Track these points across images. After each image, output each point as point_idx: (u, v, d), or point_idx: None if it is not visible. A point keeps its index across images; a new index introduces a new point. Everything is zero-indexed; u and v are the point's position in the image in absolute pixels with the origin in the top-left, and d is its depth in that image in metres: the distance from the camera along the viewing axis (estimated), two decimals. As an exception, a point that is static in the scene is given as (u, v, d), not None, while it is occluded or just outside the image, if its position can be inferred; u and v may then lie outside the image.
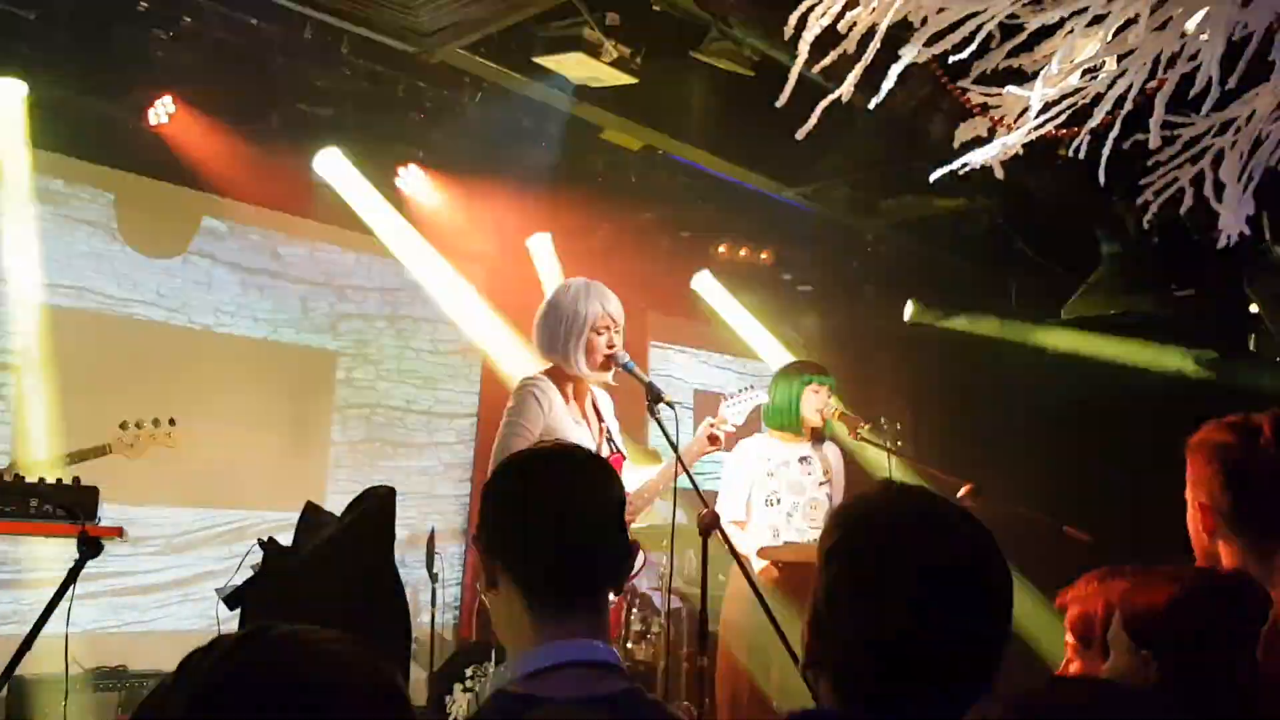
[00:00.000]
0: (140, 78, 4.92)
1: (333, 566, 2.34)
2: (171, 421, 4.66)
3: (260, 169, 5.57)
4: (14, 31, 4.47)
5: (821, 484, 4.72)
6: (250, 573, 2.46)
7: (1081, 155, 3.37)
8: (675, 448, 3.34)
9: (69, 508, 3.15)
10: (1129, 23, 2.80)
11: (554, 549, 1.61)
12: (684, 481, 3.50)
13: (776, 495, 4.64)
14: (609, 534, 1.67)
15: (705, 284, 7.47)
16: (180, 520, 5.76)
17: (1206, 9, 2.57)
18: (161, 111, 5.08)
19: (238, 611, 2.48)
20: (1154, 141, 3.16)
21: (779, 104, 3.11)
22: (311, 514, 2.58)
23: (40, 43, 4.59)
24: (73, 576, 2.40)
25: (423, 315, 6.91)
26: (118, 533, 3.54)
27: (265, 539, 2.45)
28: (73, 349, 5.25)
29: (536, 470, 1.72)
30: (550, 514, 1.63)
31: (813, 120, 3.17)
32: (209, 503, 5.83)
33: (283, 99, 5.23)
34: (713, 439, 3.80)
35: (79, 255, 5.51)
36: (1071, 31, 2.94)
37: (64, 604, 2.58)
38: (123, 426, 4.53)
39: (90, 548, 2.49)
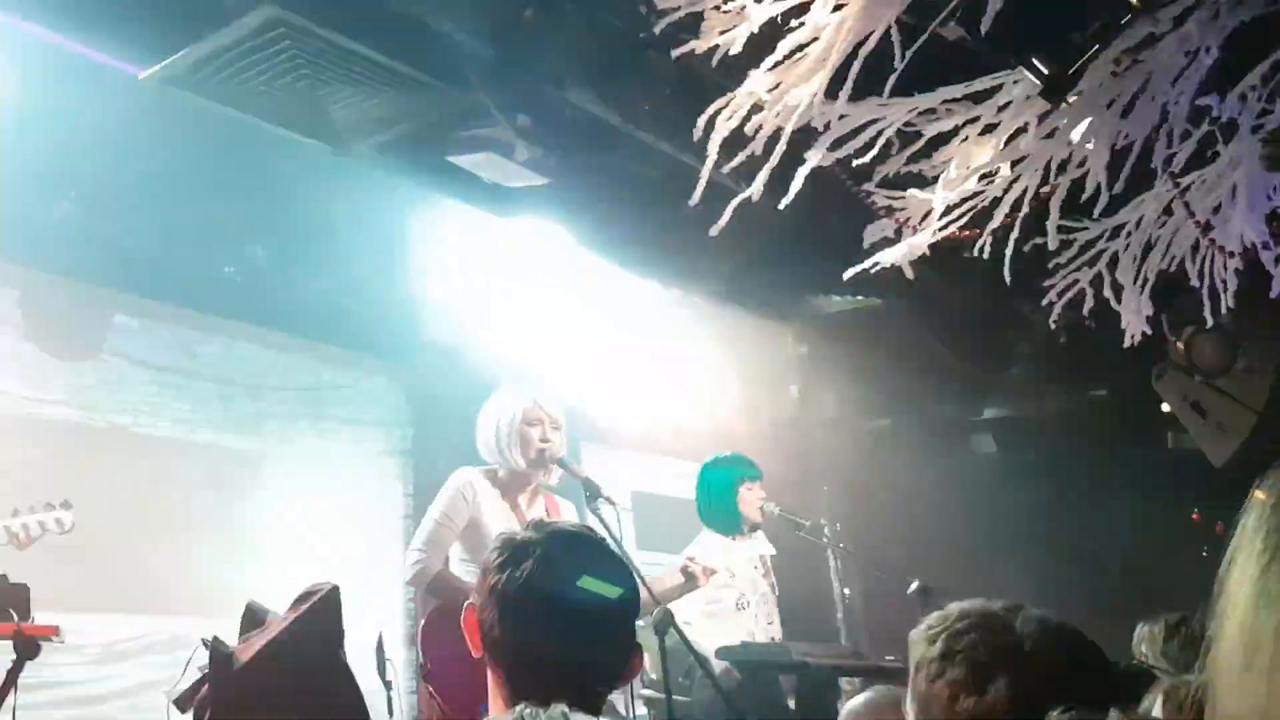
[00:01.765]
0: (43, 173, 4.83)
1: (285, 664, 2.26)
2: (66, 504, 4.09)
3: (173, 266, 5.49)
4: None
5: (765, 576, 4.73)
6: (198, 674, 2.36)
7: (986, 256, 3.46)
8: (619, 544, 3.30)
9: (-1, 607, 2.97)
10: (1020, 131, 2.89)
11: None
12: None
13: (745, 599, 4.61)
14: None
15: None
16: (115, 627, 5.48)
17: (1089, 119, 2.67)
18: (68, 207, 4.99)
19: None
20: (1052, 244, 3.25)
21: (691, 204, 3.16)
22: (254, 610, 2.51)
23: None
24: (12, 679, 2.24)
25: (347, 415, 6.78)
26: (53, 631, 3.31)
27: (210, 638, 2.36)
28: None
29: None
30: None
31: (724, 218, 3.23)
32: (140, 609, 5.57)
33: (196, 194, 5.17)
34: (691, 576, 3.93)
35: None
36: (966, 139, 3.03)
37: (4, 715, 2.42)
38: (13, 513, 3.96)
39: (27, 647, 2.34)
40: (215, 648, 2.37)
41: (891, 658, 4.51)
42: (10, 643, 3.23)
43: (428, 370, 6.84)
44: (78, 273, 5.44)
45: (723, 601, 4.58)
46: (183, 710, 2.43)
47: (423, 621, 3.92)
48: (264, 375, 6.45)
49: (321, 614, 2.52)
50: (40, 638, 3.19)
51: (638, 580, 1.79)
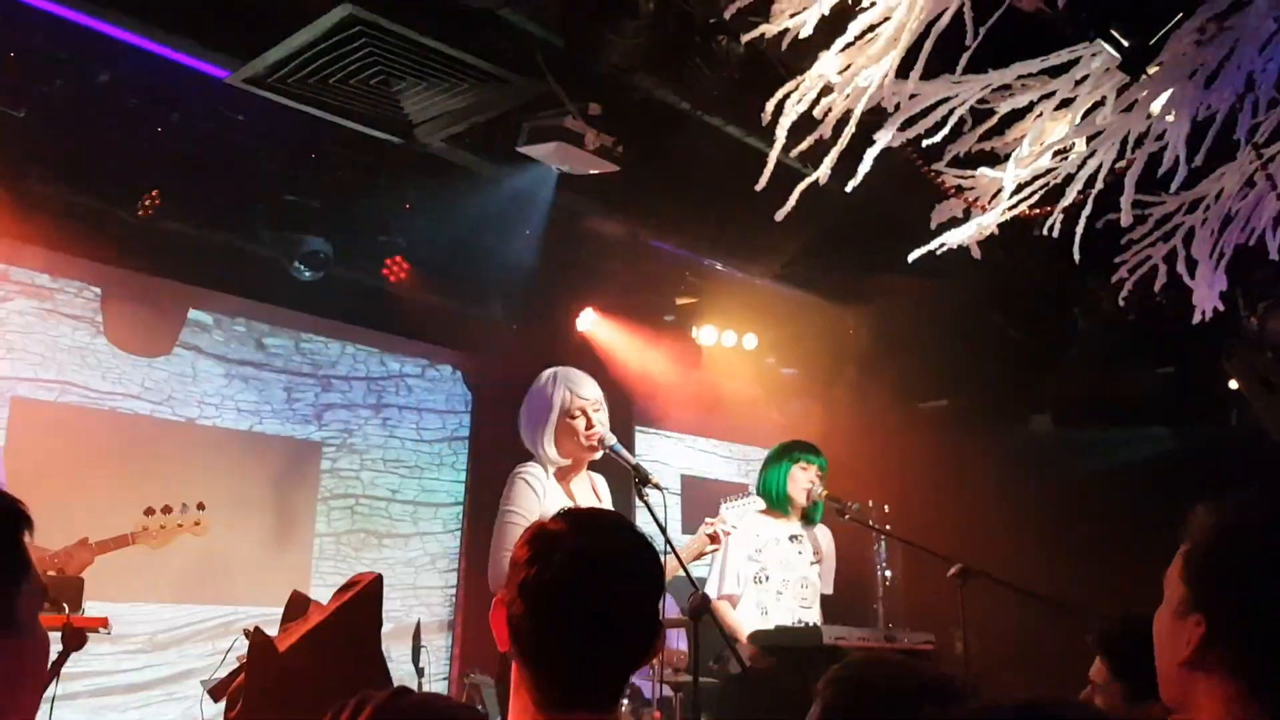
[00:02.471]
0: (128, 173, 4.98)
1: (321, 655, 2.30)
2: (200, 506, 4.30)
3: (245, 262, 5.62)
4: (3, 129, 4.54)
5: (813, 563, 4.71)
6: (236, 665, 2.41)
7: (1056, 235, 3.45)
8: (664, 530, 3.33)
9: (52, 599, 3.08)
10: (1096, 105, 2.89)
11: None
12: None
13: (765, 572, 4.62)
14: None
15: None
16: (162, 617, 5.66)
17: (1171, 91, 2.65)
18: (148, 204, 5.13)
19: (221, 705, 2.43)
20: (1125, 220, 3.23)
21: (758, 188, 3.19)
22: (297, 602, 2.55)
23: (28, 140, 4.64)
24: (55, 670, 2.35)
25: (408, 404, 6.92)
26: (103, 623, 3.41)
27: (251, 629, 2.41)
28: (55, 443, 5.22)
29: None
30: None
31: (791, 202, 3.24)
32: (192, 598, 5.73)
33: (268, 191, 5.30)
34: (713, 538, 3.90)
35: (63, 350, 5.51)
36: (1041, 115, 3.03)
37: (44, 705, 2.52)
38: (148, 513, 4.17)
39: (74, 639, 2.44)
40: (254, 638, 2.40)
41: (924, 641, 4.52)
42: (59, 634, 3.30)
43: (486, 359, 6.94)
44: (154, 270, 5.59)
45: (742, 574, 4.62)
46: (216, 699, 2.48)
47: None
48: (329, 366, 6.60)
49: (361, 604, 2.54)
50: (89, 629, 3.23)
51: (663, 564, 1.79)
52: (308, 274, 5.69)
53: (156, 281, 5.74)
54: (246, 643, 2.41)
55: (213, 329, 6.10)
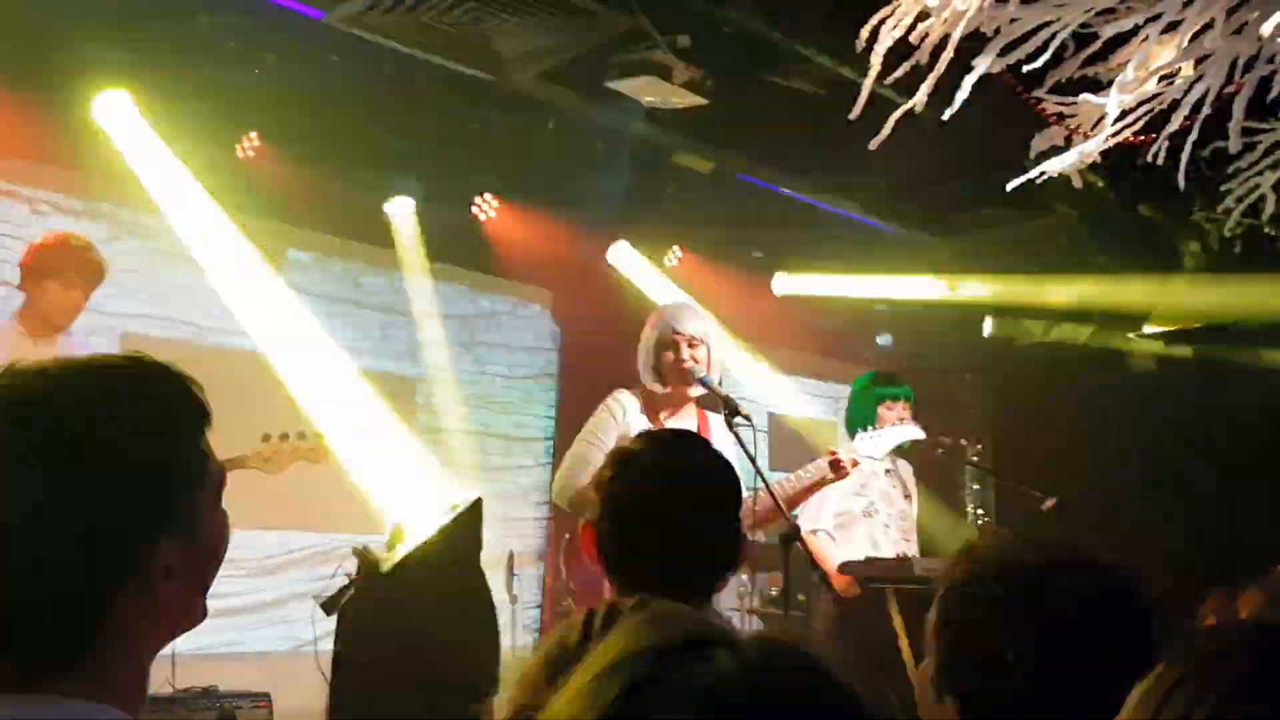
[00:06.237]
0: (227, 115, 5.10)
1: (427, 572, 2.41)
2: (318, 435, 4.28)
3: (342, 201, 5.74)
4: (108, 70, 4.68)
5: (906, 496, 4.71)
6: (345, 581, 2.53)
7: (1160, 162, 3.35)
8: (754, 460, 3.37)
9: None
10: (1205, 27, 2.78)
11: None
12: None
13: (874, 506, 4.56)
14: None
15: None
16: (267, 543, 5.89)
17: (1285, 10, 2.55)
18: (248, 147, 5.26)
19: (333, 620, 2.55)
20: (1234, 146, 3.13)
21: (851, 118, 3.15)
22: (402, 524, 2.66)
23: (131, 84, 4.78)
24: None
25: (498, 341, 7.02)
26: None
27: (360, 547, 2.52)
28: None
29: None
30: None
31: (885, 131, 3.20)
32: (296, 525, 5.95)
33: (363, 131, 5.38)
34: (836, 465, 3.73)
35: (170, 287, 5.70)
36: (1146, 38, 2.93)
37: None
38: (264, 439, 4.12)
39: None
40: (363, 554, 2.51)
41: None
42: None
43: (575, 297, 7.00)
44: (254, 210, 5.73)
45: (852, 511, 4.56)
46: (328, 613, 2.59)
47: (566, 537, 4.05)
48: (423, 304, 6.71)
49: (463, 526, 2.63)
50: None
51: (740, 482, 1.83)
52: (399, 214, 5.80)
53: (256, 221, 5.89)
54: (354, 561, 2.51)
55: (311, 268, 6.24)
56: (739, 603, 5.73)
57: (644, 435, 1.83)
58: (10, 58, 4.41)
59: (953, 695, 1.32)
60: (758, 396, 8.16)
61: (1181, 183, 3.30)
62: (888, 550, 4.50)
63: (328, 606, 2.50)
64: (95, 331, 5.21)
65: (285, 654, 5.66)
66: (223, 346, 5.86)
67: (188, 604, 1.09)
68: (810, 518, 4.46)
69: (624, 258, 6.87)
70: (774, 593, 5.74)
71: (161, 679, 4.44)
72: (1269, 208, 3.50)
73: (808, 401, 8.48)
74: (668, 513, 1.68)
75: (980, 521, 7.56)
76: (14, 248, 4.88)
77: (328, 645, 2.86)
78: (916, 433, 4.19)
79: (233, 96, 4.91)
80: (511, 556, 6.01)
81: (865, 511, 4.56)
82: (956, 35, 2.97)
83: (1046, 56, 3.02)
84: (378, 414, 6.44)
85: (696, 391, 3.68)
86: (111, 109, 4.86)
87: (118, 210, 5.50)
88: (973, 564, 1.38)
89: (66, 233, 4.30)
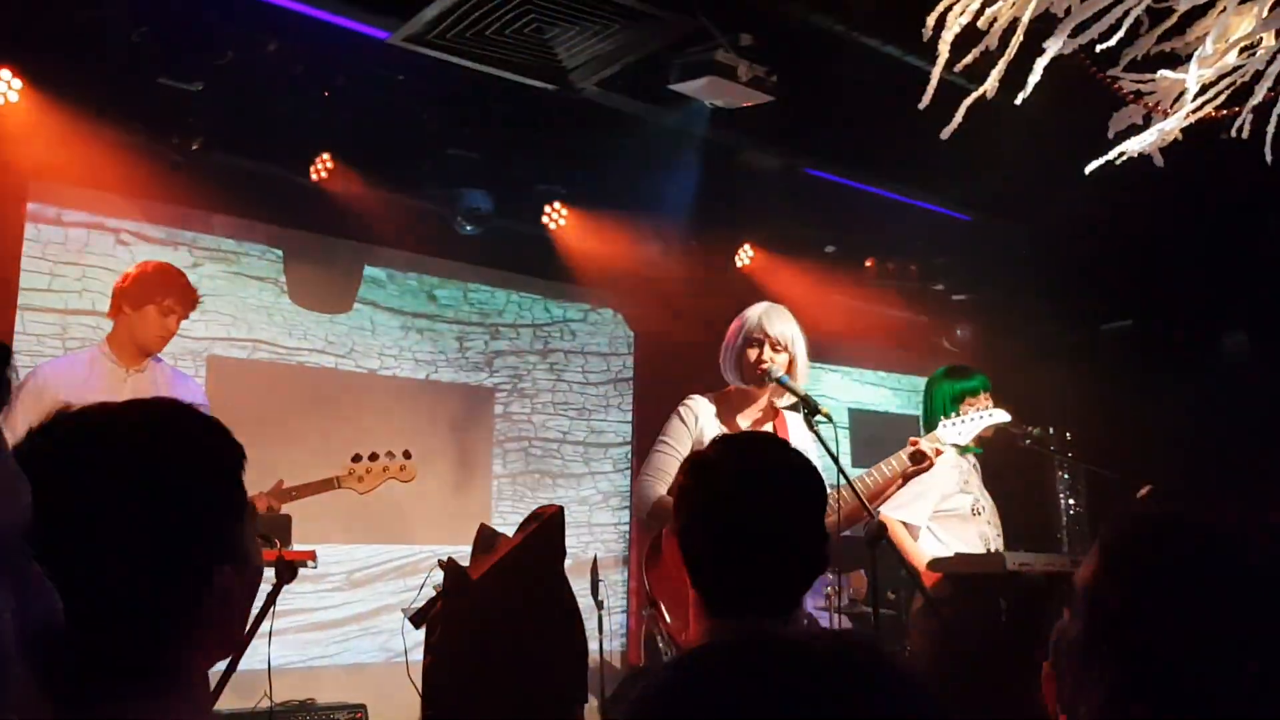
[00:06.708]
0: (299, 138, 5.20)
1: (510, 583, 2.44)
2: (407, 454, 4.36)
3: (413, 216, 5.82)
4: (182, 103, 4.79)
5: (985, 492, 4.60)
6: (433, 593, 2.57)
7: (1245, 137, 3.23)
8: (836, 459, 3.33)
9: (264, 534, 3.31)
10: (1287, -6, 2.68)
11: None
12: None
13: (980, 505, 4.39)
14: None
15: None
16: (356, 556, 6.00)
17: (1373, -28, 2.44)
18: (320, 168, 5.35)
19: (421, 633, 2.59)
20: (1323, 116, 3.00)
21: (921, 107, 3.09)
22: (486, 536, 2.69)
23: (206, 113, 4.89)
24: (271, 600, 2.55)
25: (573, 348, 7.06)
26: (310, 556, 3.64)
27: (445, 559, 2.56)
28: (249, 397, 5.55)
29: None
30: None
31: (957, 120, 3.13)
32: (381, 539, 6.05)
33: (431, 147, 5.45)
34: (918, 458, 3.67)
35: (251, 309, 5.83)
36: (1224, 9, 2.83)
37: (261, 637, 2.72)
38: (355, 459, 4.27)
39: (286, 571, 2.64)
40: (450, 566, 2.54)
41: None
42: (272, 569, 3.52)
43: (646, 301, 7.00)
44: (330, 230, 5.84)
45: (958, 510, 4.41)
46: (417, 625, 2.63)
47: (647, 546, 4.04)
48: (497, 315, 6.78)
49: (545, 535, 2.65)
50: (298, 563, 3.43)
51: (823, 481, 1.80)
52: (469, 227, 5.86)
53: (332, 241, 6.00)
54: (441, 575, 2.55)
55: (386, 284, 6.34)
56: (827, 602, 5.66)
57: (719, 440, 1.81)
58: (96, 90, 4.57)
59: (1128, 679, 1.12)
60: (836, 393, 8.10)
61: (1269, 156, 3.18)
62: (997, 548, 4.36)
63: (416, 619, 2.55)
64: (181, 357, 5.34)
65: (379, 665, 5.75)
66: (305, 365, 5.98)
67: (240, 624, 1.20)
68: (907, 513, 4.25)
69: (697, 259, 6.87)
70: (863, 591, 5.67)
71: (259, 693, 4.53)
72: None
73: (888, 396, 8.39)
74: (746, 517, 1.66)
75: (1071, 511, 7.37)
76: (103, 278, 5.04)
77: (419, 656, 2.92)
78: (1003, 416, 4.03)
79: (304, 120, 5.00)
80: (595, 562, 6.04)
81: (973, 509, 4.40)
82: (1026, 17, 2.90)
83: (1120, 34, 2.94)
84: (458, 425, 6.52)
85: (776, 394, 3.67)
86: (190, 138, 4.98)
87: (198, 237, 5.65)
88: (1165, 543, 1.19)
89: (164, 262, 4.34)
